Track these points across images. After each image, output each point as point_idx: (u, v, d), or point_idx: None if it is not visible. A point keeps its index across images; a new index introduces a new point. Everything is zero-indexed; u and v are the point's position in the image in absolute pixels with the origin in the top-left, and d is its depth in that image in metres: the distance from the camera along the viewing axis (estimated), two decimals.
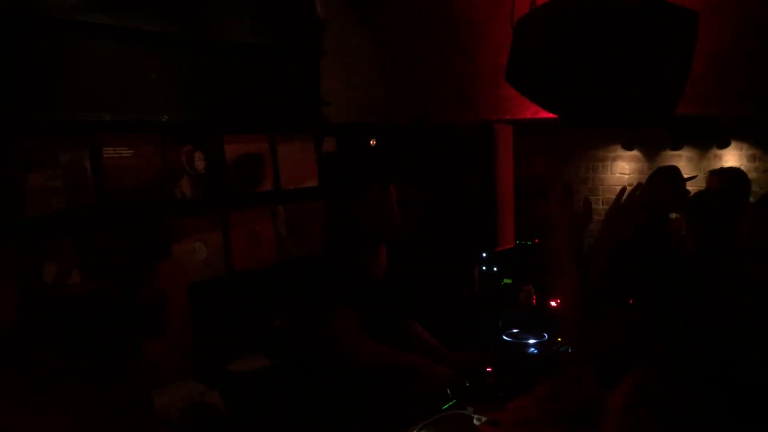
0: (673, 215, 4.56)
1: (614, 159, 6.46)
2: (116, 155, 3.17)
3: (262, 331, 3.69)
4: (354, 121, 4.32)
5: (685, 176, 4.82)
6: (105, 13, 3.10)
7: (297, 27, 4.06)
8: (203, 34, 3.56)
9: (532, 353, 3.54)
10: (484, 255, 4.32)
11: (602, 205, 6.41)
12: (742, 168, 5.72)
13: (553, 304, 4.00)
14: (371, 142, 4.42)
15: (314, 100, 4.17)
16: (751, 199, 5.49)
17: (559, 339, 3.60)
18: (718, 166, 5.69)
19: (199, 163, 3.53)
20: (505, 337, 3.71)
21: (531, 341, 3.62)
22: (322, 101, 4.19)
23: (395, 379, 3.10)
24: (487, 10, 3.89)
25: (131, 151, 3.23)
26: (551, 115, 3.06)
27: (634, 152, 6.31)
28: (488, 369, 3.16)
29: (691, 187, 4.83)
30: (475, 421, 2.78)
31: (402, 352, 3.23)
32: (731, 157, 5.89)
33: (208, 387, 3.24)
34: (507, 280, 4.50)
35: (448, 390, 3.00)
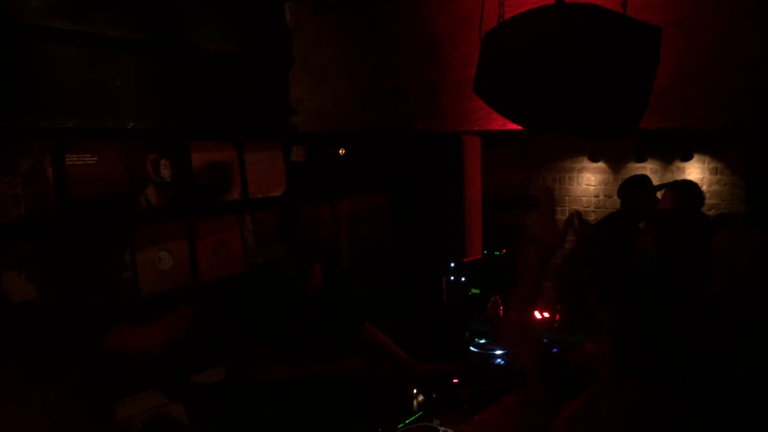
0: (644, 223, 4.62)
1: (580, 170, 6.54)
2: (80, 162, 3.11)
3: (228, 341, 3.63)
4: (323, 130, 4.31)
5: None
6: (69, 18, 3.05)
7: (266, 35, 4.04)
8: (171, 41, 3.52)
9: (499, 364, 3.55)
10: (452, 265, 4.34)
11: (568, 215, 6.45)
12: (705, 180, 5.85)
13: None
14: (340, 152, 4.40)
15: (283, 109, 4.15)
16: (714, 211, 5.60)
17: None
18: (681, 178, 5.79)
19: (165, 171, 3.48)
20: (472, 348, 3.72)
21: (498, 352, 3.64)
22: (291, 110, 4.17)
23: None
24: (456, 22, 3.91)
25: (95, 158, 3.17)
26: (518, 127, 3.09)
27: (600, 164, 6.39)
28: (455, 380, 3.16)
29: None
30: None
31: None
32: (694, 170, 5.99)
33: (171, 399, 3.20)
34: (475, 290, 4.52)
35: (415, 402, 3.00)
